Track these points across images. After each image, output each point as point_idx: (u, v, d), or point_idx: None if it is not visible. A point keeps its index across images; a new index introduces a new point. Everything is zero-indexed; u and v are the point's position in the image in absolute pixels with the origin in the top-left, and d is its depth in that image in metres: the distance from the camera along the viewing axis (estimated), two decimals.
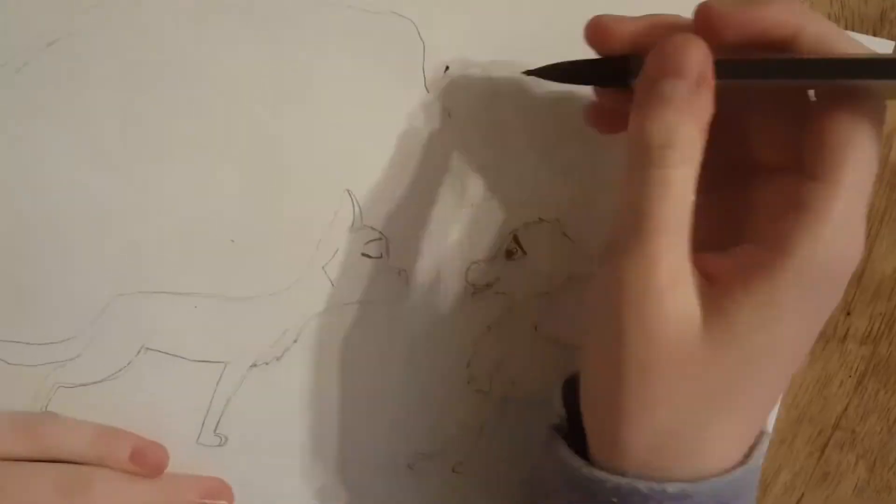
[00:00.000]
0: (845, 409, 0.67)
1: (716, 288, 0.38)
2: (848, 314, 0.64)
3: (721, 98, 0.38)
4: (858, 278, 0.63)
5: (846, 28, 0.54)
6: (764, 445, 0.41)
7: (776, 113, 0.41)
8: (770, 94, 0.40)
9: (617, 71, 0.41)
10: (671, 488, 0.38)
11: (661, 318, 0.37)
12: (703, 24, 0.38)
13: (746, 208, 0.41)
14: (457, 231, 0.51)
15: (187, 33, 0.45)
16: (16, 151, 0.45)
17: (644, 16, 0.41)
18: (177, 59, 0.45)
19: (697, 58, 0.37)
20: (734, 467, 0.39)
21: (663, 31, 0.39)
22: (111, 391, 0.49)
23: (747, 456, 0.40)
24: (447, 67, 0.48)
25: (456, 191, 0.50)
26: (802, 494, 0.70)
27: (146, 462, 0.48)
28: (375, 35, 0.47)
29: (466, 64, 0.48)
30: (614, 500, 0.38)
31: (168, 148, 0.46)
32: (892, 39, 0.54)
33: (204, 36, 0.45)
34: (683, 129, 0.37)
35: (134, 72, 0.45)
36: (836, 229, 0.36)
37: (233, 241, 0.48)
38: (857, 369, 0.66)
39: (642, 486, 0.38)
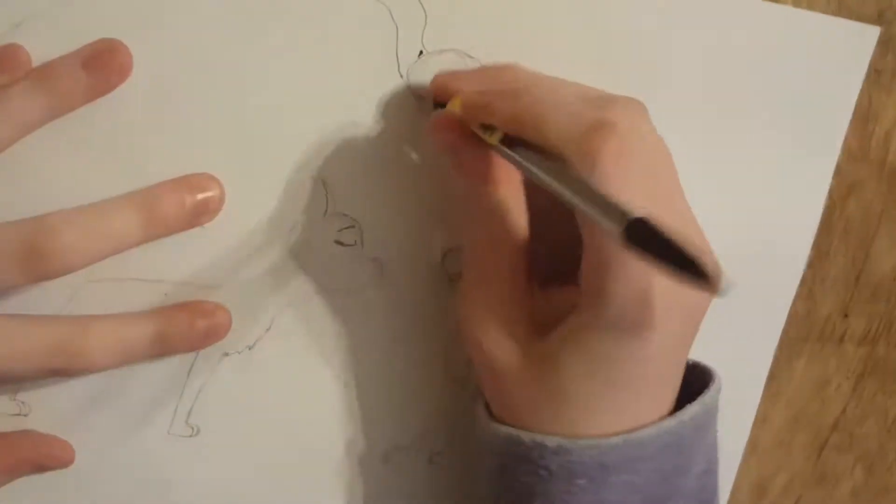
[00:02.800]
0: (843, 410, 0.65)
1: (549, 319, 0.42)
2: (846, 315, 0.61)
3: None
4: (856, 279, 0.60)
5: None
6: (666, 424, 0.42)
7: None
8: None
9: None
10: (550, 442, 0.40)
11: (488, 339, 0.43)
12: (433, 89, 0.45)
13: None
14: (431, 218, 0.49)
15: (158, 14, 0.43)
16: None
17: (476, 70, 0.46)
18: (146, 42, 0.43)
19: (444, 132, 0.43)
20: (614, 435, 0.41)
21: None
22: (81, 380, 0.46)
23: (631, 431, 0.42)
24: (421, 52, 0.46)
25: (430, 177, 0.48)
26: (800, 496, 0.68)
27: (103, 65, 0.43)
28: (349, 18, 0.45)
29: (441, 48, 0.46)
30: (505, 449, 0.42)
31: (138, 134, 0.44)
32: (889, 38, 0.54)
33: (174, 17, 0.43)
34: (466, 187, 0.44)
35: None
36: (617, 298, 0.38)
37: (203, 227, 0.46)
38: (854, 371, 0.63)
39: (525, 437, 0.41)
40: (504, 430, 0.42)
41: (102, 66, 0.42)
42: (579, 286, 0.41)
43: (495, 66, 0.45)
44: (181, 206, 0.44)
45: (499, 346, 0.42)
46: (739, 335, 0.55)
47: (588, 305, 0.39)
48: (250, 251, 0.47)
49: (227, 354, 0.48)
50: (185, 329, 0.45)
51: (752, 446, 0.64)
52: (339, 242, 0.48)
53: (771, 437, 0.65)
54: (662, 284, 0.38)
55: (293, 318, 0.48)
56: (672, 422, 0.42)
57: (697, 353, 0.44)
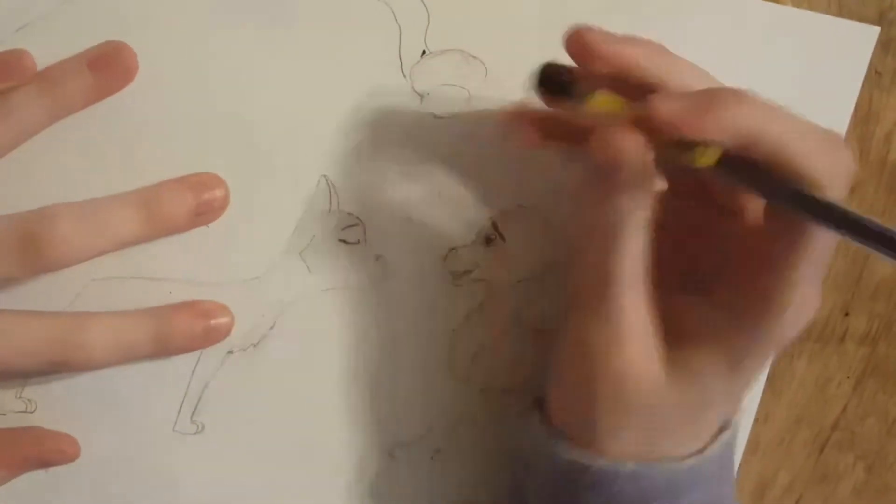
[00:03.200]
0: (844, 409, 0.65)
1: (683, 339, 0.41)
2: (847, 315, 0.61)
3: None
4: (857, 279, 0.60)
5: None
6: (725, 437, 0.43)
7: None
8: None
9: (563, 85, 0.39)
10: (626, 469, 0.40)
11: (626, 363, 0.39)
12: (575, 49, 0.39)
13: (721, 251, 0.42)
14: (435, 217, 0.48)
15: (161, 15, 0.43)
16: None
17: (626, 39, 0.40)
18: (149, 43, 0.43)
19: (633, 155, 0.36)
20: (689, 456, 0.42)
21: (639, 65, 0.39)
22: (86, 377, 0.46)
23: (703, 449, 0.42)
24: (424, 52, 0.46)
25: (434, 176, 0.48)
26: (801, 495, 0.67)
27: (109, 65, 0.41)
28: (352, 19, 0.44)
29: (443, 49, 0.46)
30: (574, 472, 0.41)
31: (141, 133, 0.44)
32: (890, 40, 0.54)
33: (178, 19, 0.43)
34: (629, 206, 0.38)
35: None
36: (798, 316, 0.39)
37: (208, 226, 0.45)
38: (855, 370, 0.63)
39: (602, 462, 0.40)
40: (578, 452, 0.42)
41: (108, 67, 0.41)
42: (686, 297, 0.42)
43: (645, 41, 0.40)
44: (183, 205, 0.43)
45: (638, 366, 0.40)
46: None
47: (758, 320, 0.39)
48: (254, 249, 0.46)
49: (231, 352, 0.47)
50: (186, 329, 0.44)
51: (754, 445, 0.64)
52: (343, 240, 0.47)
53: (772, 435, 0.65)
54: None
55: (297, 316, 0.48)
56: (728, 434, 0.43)
57: None
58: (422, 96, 0.46)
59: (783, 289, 0.37)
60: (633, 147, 0.36)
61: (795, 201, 0.35)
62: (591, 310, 0.40)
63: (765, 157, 0.35)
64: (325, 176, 0.46)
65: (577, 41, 0.38)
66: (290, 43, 0.44)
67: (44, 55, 0.41)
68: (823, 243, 0.36)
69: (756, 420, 0.63)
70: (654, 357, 0.40)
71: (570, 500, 0.42)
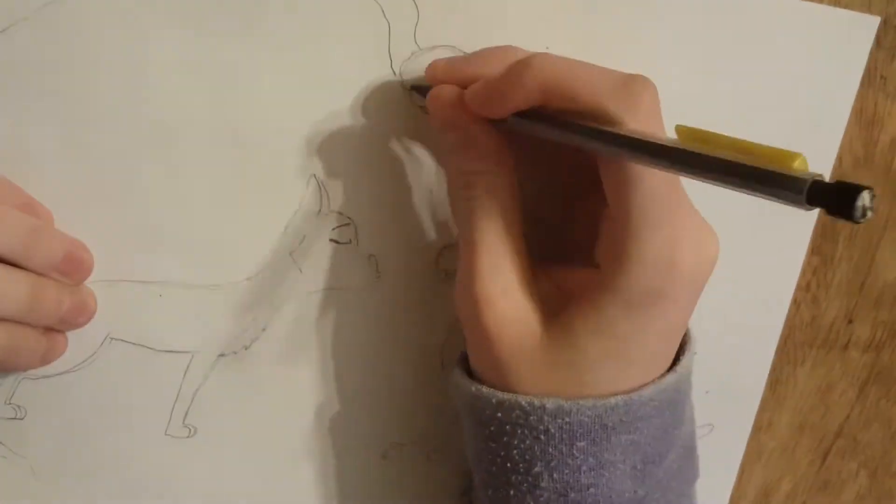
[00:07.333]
0: (847, 417, 0.63)
1: (563, 300, 0.40)
2: (850, 322, 0.58)
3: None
4: (861, 285, 0.57)
5: None
6: (667, 380, 0.40)
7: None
8: None
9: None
10: (549, 403, 0.38)
11: (498, 320, 0.39)
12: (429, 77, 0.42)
13: (594, 226, 0.42)
14: (427, 215, 0.46)
15: (144, 18, 0.40)
16: None
17: (471, 55, 0.42)
18: (134, 46, 0.40)
19: (452, 109, 0.40)
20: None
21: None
22: (76, 382, 0.44)
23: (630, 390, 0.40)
24: (414, 49, 0.43)
25: (425, 174, 0.45)
26: (804, 502, 0.65)
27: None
28: (341, 16, 0.42)
29: (433, 45, 0.43)
30: (499, 415, 0.39)
31: (130, 137, 0.41)
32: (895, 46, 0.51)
33: (161, 18, 0.40)
34: (472, 167, 0.40)
35: (88, 61, 0.40)
36: (644, 264, 0.36)
37: (198, 227, 0.43)
38: (859, 377, 0.61)
39: (523, 400, 0.39)
40: (500, 395, 0.40)
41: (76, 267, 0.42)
42: (576, 267, 0.42)
43: (490, 48, 0.42)
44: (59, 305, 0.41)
45: (514, 321, 0.39)
46: (738, 340, 0.52)
47: (611, 274, 0.37)
48: (245, 251, 0.44)
49: (223, 355, 0.45)
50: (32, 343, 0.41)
51: (757, 452, 0.63)
52: (334, 241, 0.45)
53: (776, 442, 0.63)
54: (684, 254, 0.36)
55: (289, 318, 0.46)
56: (672, 378, 0.40)
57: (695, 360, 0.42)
58: (411, 93, 0.44)
59: (624, 238, 0.36)
60: (447, 93, 0.40)
61: (595, 138, 0.34)
62: (460, 271, 0.41)
63: (563, 105, 0.36)
64: (314, 175, 0.44)
65: (429, 72, 0.42)
66: (280, 42, 0.42)
67: (27, 56, 0.39)
68: (645, 183, 0.35)
69: (759, 427, 0.61)
70: (528, 315, 0.40)
71: (505, 444, 0.40)
